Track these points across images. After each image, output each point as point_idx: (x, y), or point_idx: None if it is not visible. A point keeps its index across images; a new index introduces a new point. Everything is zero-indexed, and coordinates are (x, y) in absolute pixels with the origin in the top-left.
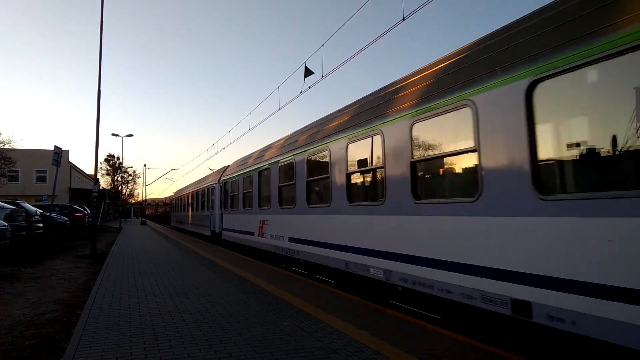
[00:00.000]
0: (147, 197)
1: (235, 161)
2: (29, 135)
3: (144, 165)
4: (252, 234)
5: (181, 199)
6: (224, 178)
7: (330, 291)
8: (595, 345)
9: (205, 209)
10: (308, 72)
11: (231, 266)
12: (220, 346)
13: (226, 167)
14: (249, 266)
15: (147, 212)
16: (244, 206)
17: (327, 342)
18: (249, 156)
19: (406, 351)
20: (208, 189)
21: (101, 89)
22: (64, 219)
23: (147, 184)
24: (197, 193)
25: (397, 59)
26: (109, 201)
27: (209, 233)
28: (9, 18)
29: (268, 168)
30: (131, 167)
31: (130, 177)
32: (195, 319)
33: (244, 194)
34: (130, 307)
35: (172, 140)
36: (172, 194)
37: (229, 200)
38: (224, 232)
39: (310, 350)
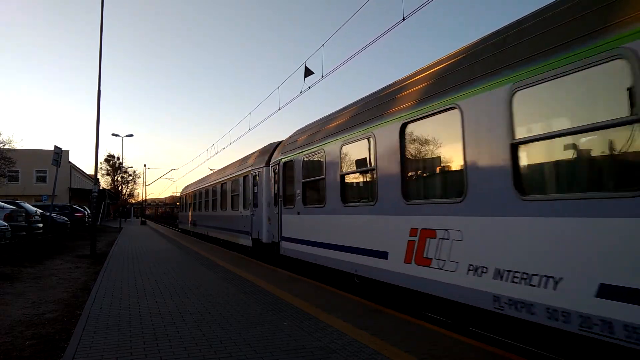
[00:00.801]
0: (147, 197)
1: (304, 128)
2: (29, 135)
3: (144, 165)
4: (381, 255)
5: (195, 195)
6: (281, 158)
7: (330, 291)
8: (596, 345)
9: (240, 207)
10: (308, 72)
11: (231, 266)
12: (220, 346)
13: (278, 143)
14: (249, 266)
15: (147, 212)
16: (345, 199)
17: (327, 342)
18: (338, 113)
19: (406, 351)
20: (245, 177)
21: (101, 88)
22: (64, 219)
23: (147, 184)
24: (222, 186)
25: (397, 59)
26: (109, 201)
27: (248, 243)
28: (9, 18)
29: (451, 107)
30: (131, 167)
31: (130, 177)
32: (195, 319)
33: (343, 176)
34: (130, 307)
35: (172, 140)
36: (178, 192)
37: (297, 192)
38: (286, 245)
39: (310, 350)
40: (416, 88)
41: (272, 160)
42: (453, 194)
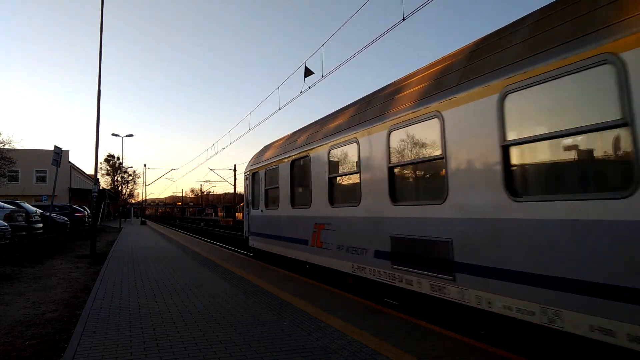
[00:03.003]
0: (147, 197)
1: None
2: (29, 135)
3: (144, 165)
4: None
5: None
6: None
7: (330, 291)
8: (596, 346)
9: None
10: (308, 72)
11: (231, 266)
12: (220, 346)
13: None
14: (249, 266)
15: (147, 212)
16: None
17: (327, 342)
18: None
19: (406, 351)
20: None
21: (101, 89)
22: (63, 219)
23: (147, 184)
24: None
25: (397, 59)
26: (109, 201)
27: None
28: (10, 18)
29: None
30: (131, 167)
31: (130, 177)
32: (195, 319)
33: None
34: (130, 307)
35: (172, 140)
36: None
37: None
38: None
39: (310, 350)
40: None
41: None
42: None
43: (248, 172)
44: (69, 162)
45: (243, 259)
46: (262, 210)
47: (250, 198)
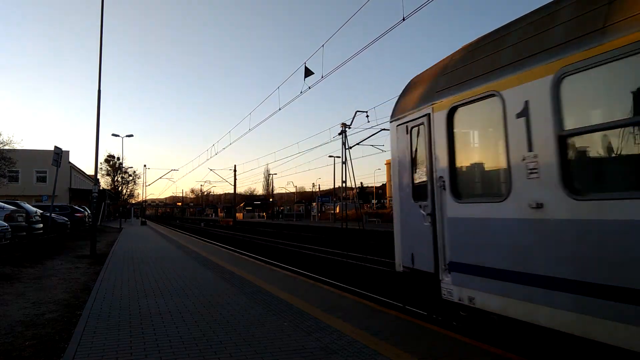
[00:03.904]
0: (147, 198)
1: None
2: (29, 135)
3: (144, 165)
4: None
5: None
6: None
7: (330, 291)
8: (596, 346)
9: None
10: (308, 72)
11: (231, 266)
12: (221, 346)
13: None
14: (249, 266)
15: (147, 212)
16: None
17: (327, 342)
18: None
19: (406, 351)
20: None
21: (101, 89)
22: (64, 219)
23: (147, 184)
24: None
25: (397, 59)
26: (109, 201)
27: None
28: (10, 18)
29: None
30: (131, 167)
31: (131, 178)
32: (195, 319)
33: None
34: (130, 307)
35: (173, 140)
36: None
37: None
38: None
39: (310, 350)
40: None
41: None
42: None
43: (423, 114)
44: (69, 162)
45: (243, 259)
46: (537, 206)
47: (447, 174)
